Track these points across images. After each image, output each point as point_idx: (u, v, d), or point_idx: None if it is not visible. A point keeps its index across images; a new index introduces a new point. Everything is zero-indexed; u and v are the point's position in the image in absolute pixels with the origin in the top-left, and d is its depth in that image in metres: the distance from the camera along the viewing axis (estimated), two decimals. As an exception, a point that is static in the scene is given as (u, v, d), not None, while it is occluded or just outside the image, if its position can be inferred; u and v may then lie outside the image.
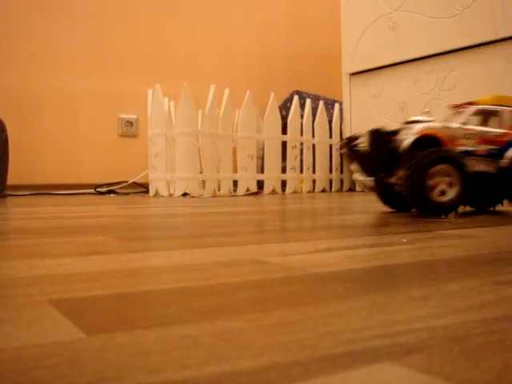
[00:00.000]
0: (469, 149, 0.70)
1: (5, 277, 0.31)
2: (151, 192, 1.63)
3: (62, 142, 1.95)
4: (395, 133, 0.71)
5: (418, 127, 0.68)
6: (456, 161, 0.66)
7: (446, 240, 0.46)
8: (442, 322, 0.21)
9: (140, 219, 0.71)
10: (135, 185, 1.87)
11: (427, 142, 0.68)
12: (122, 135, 2.08)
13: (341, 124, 1.99)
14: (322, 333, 0.19)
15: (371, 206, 1.00)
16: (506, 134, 0.72)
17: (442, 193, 0.67)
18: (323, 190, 1.92)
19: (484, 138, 0.70)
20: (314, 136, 1.89)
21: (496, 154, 0.71)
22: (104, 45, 2.02)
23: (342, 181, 2.00)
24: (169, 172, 1.59)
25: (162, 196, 1.58)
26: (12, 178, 1.60)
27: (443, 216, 0.68)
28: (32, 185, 1.84)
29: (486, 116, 0.75)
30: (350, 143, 0.73)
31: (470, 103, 0.74)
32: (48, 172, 1.92)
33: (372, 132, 0.71)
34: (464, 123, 0.70)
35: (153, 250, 0.41)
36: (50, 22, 1.93)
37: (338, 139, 1.97)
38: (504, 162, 0.71)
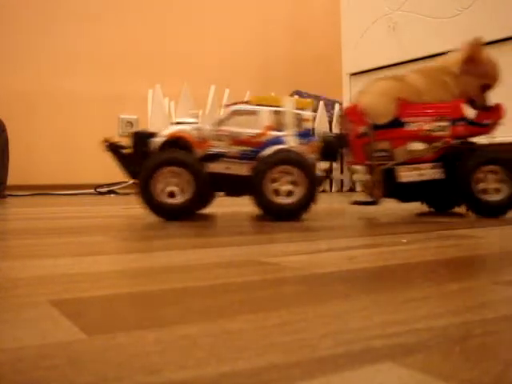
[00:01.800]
0: (221, 151, 0.68)
1: (5, 277, 0.31)
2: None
3: (62, 143, 1.95)
4: (154, 135, 0.71)
5: (169, 130, 0.69)
6: (186, 163, 0.65)
7: (446, 240, 0.46)
8: (442, 322, 0.20)
9: (140, 219, 0.71)
10: (135, 185, 1.86)
11: (182, 144, 0.68)
12: (123, 135, 2.08)
13: (341, 124, 1.99)
14: (322, 333, 0.19)
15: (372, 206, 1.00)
16: (261, 135, 0.68)
17: (172, 195, 0.66)
18: (323, 191, 1.92)
19: (237, 140, 0.68)
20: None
21: (250, 156, 0.68)
22: (104, 45, 2.02)
23: (342, 181, 2.00)
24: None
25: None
26: (12, 178, 1.60)
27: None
28: (32, 185, 1.83)
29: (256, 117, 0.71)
30: (111, 144, 0.72)
31: (246, 102, 0.72)
32: (48, 172, 1.92)
33: (134, 134, 0.72)
34: (217, 124, 0.68)
35: (153, 251, 0.41)
36: (49, 23, 1.93)
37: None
38: (255, 163, 0.67)
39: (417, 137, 0.69)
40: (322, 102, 1.94)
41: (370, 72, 1.83)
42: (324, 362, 0.16)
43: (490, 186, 0.68)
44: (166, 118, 1.58)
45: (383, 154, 0.70)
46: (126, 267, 0.34)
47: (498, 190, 0.68)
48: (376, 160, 0.70)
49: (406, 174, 0.69)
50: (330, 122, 1.98)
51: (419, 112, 0.69)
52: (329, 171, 0.76)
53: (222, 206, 0.99)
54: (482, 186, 0.68)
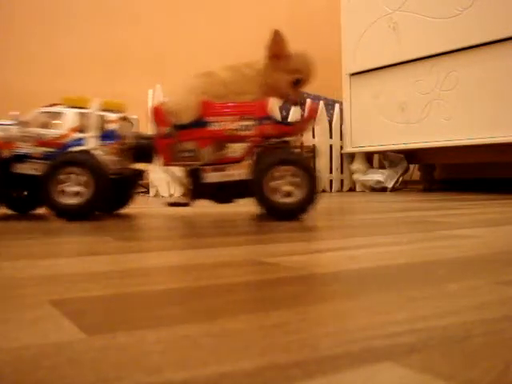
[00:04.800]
0: (27, 151, 0.70)
1: (5, 277, 0.31)
2: (151, 192, 1.63)
3: (62, 143, 1.96)
4: None
5: None
6: None
7: (446, 240, 0.46)
8: (442, 322, 0.21)
9: (140, 219, 0.71)
10: None
11: None
12: (122, 135, 2.08)
13: (341, 124, 1.99)
14: (322, 333, 0.19)
15: (373, 206, 1.00)
16: (64, 136, 0.69)
17: None
18: (323, 191, 1.92)
19: (41, 141, 0.69)
20: (314, 136, 1.89)
21: (53, 157, 0.69)
22: (104, 45, 2.03)
23: (342, 181, 2.00)
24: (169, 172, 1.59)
25: (163, 196, 1.58)
26: (12, 179, 1.60)
27: None
28: (32, 185, 1.84)
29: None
30: None
31: (60, 104, 0.74)
32: (48, 172, 1.92)
33: None
34: (25, 125, 0.70)
35: (153, 251, 0.41)
36: (50, 23, 1.93)
37: (339, 139, 1.97)
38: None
39: (222, 136, 0.67)
40: (322, 102, 1.93)
41: (370, 72, 1.83)
42: (324, 361, 0.16)
43: (284, 187, 0.65)
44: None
45: (190, 154, 0.68)
46: (126, 267, 0.34)
47: (292, 192, 0.65)
48: (183, 160, 0.68)
49: (211, 175, 0.67)
50: (330, 122, 1.98)
51: (222, 111, 0.67)
52: (139, 174, 0.76)
53: (222, 206, 0.99)
54: (274, 185, 0.65)
